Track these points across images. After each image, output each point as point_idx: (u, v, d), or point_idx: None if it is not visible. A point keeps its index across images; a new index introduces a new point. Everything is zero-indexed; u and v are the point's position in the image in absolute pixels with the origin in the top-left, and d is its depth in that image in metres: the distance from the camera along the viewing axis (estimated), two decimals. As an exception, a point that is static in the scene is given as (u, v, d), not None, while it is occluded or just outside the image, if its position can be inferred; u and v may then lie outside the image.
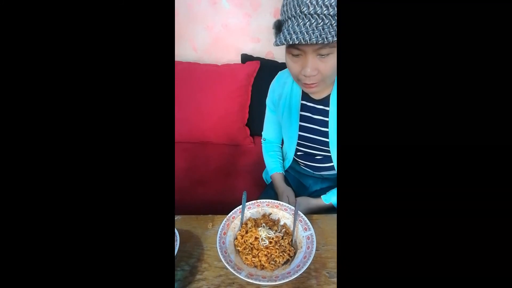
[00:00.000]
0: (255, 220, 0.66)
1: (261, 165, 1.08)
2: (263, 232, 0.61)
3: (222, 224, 0.64)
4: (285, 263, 0.59)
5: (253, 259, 0.58)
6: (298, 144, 0.84)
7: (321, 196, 0.81)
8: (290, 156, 0.89)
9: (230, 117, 1.28)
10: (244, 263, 0.58)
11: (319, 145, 0.80)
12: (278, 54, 1.40)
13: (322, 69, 0.63)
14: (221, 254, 0.57)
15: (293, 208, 0.67)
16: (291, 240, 0.62)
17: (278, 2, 1.27)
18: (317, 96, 0.77)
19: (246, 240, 0.61)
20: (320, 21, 0.56)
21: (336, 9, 0.56)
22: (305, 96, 0.79)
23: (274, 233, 0.62)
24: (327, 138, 0.78)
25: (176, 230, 0.59)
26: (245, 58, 1.37)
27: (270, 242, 0.60)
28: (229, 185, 1.12)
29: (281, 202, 0.70)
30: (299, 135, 0.82)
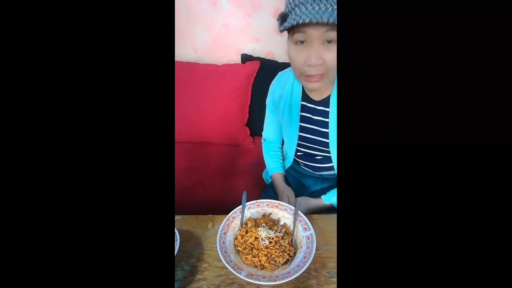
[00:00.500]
0: (255, 220, 0.66)
1: (261, 165, 1.08)
2: (263, 232, 0.61)
3: (222, 224, 0.64)
4: (285, 263, 0.59)
5: (253, 259, 0.58)
6: (298, 145, 0.84)
7: (321, 196, 0.81)
8: (291, 156, 0.89)
9: (230, 117, 1.28)
10: (244, 263, 0.58)
11: (319, 145, 0.80)
12: (278, 54, 1.40)
13: (327, 59, 0.61)
14: (221, 254, 0.57)
15: (293, 208, 0.67)
16: (291, 240, 0.63)
17: (278, 2, 1.28)
18: (317, 97, 0.77)
19: (246, 240, 0.61)
20: (329, 5, 0.55)
21: None
22: (305, 97, 0.79)
23: (274, 233, 0.62)
24: (327, 138, 0.78)
25: (176, 230, 0.59)
26: (245, 58, 1.37)
27: (270, 242, 0.60)
28: (229, 185, 1.12)
29: (281, 202, 0.70)
30: (299, 135, 0.82)
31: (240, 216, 0.67)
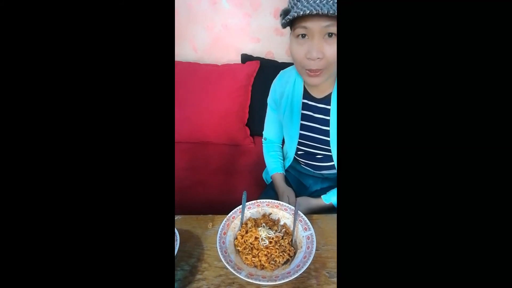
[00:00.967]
0: (255, 220, 0.66)
1: (261, 165, 1.08)
2: (263, 232, 0.61)
3: (222, 224, 0.64)
4: (285, 263, 0.59)
5: (253, 259, 0.58)
6: (299, 143, 0.84)
7: (321, 196, 0.82)
8: (291, 155, 0.89)
9: (230, 117, 1.28)
10: (244, 263, 0.58)
11: (320, 144, 0.80)
12: (278, 54, 1.40)
13: (328, 53, 0.62)
14: (221, 254, 0.57)
15: (293, 208, 0.67)
16: (291, 240, 0.63)
17: (278, 2, 1.28)
18: (318, 95, 0.78)
19: (246, 240, 0.61)
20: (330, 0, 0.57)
21: None
22: (307, 95, 0.80)
23: (274, 233, 0.62)
24: (328, 137, 0.78)
25: (176, 230, 0.59)
26: (245, 58, 1.37)
27: (270, 242, 0.60)
28: (229, 185, 1.12)
29: (281, 202, 0.70)
30: (300, 133, 0.82)
31: (240, 216, 0.67)
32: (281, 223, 0.67)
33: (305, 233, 0.63)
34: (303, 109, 0.80)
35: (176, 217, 0.70)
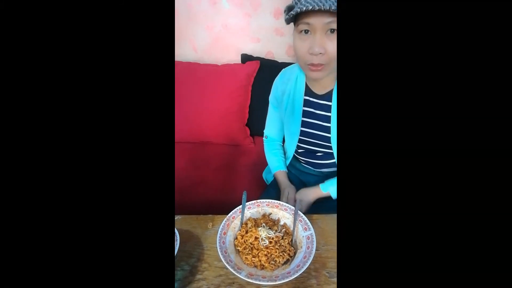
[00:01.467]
0: (255, 220, 0.66)
1: (261, 165, 1.08)
2: (263, 232, 0.61)
3: (222, 224, 0.64)
4: (285, 263, 0.59)
5: (253, 259, 0.58)
6: (300, 141, 0.85)
7: (319, 184, 0.82)
8: (291, 153, 0.90)
9: (230, 117, 1.28)
10: (244, 263, 0.58)
11: (321, 140, 0.81)
12: (278, 54, 1.40)
13: (329, 48, 0.64)
14: (221, 254, 0.57)
15: (293, 208, 0.67)
16: (291, 240, 0.63)
17: (278, 2, 1.28)
18: (320, 91, 0.78)
19: (246, 240, 0.61)
20: None
21: None
22: (308, 91, 0.80)
23: (274, 233, 0.62)
24: (329, 133, 0.79)
25: (176, 230, 0.59)
26: (245, 58, 1.37)
27: (270, 242, 0.60)
28: (229, 185, 1.12)
29: (281, 202, 0.70)
30: (301, 130, 0.83)
31: (240, 216, 0.67)
32: (281, 223, 0.68)
33: (305, 233, 0.63)
34: (304, 105, 0.81)
35: (176, 217, 0.70)
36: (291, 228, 0.65)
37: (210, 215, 0.71)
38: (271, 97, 0.91)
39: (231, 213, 0.67)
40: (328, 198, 0.82)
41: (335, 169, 0.87)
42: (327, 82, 0.76)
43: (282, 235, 0.62)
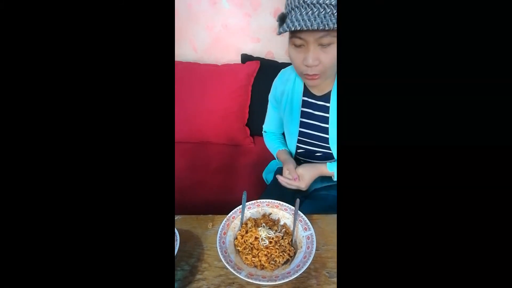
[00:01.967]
0: (255, 220, 0.66)
1: (261, 165, 1.08)
2: (263, 232, 0.61)
3: (222, 224, 0.64)
4: (285, 263, 0.59)
5: (253, 259, 0.58)
6: (299, 141, 0.85)
7: (327, 163, 0.81)
8: (291, 152, 0.90)
9: (230, 117, 1.28)
10: (244, 263, 0.58)
11: (320, 141, 0.81)
12: (278, 54, 1.40)
13: (324, 60, 0.65)
14: (221, 254, 0.57)
15: (293, 208, 0.67)
16: (291, 240, 0.63)
17: (278, 2, 1.28)
18: (318, 92, 0.78)
19: (246, 240, 0.61)
20: (322, 10, 0.59)
21: None
22: (307, 92, 0.80)
23: (274, 233, 0.62)
24: (327, 134, 0.79)
25: (176, 230, 0.59)
26: (245, 58, 1.37)
27: (270, 242, 0.60)
28: (229, 185, 1.12)
29: (281, 202, 0.70)
30: (300, 131, 0.83)
31: (240, 216, 0.67)
32: (281, 223, 0.68)
33: (305, 233, 0.63)
34: (303, 106, 0.81)
35: (176, 217, 0.70)
36: (291, 228, 0.65)
37: (210, 215, 0.71)
38: (270, 96, 0.92)
39: (231, 213, 0.67)
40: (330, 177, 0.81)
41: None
42: (325, 84, 0.77)
43: (282, 235, 0.62)
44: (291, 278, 0.53)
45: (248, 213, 0.68)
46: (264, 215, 0.69)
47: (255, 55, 1.37)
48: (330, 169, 0.80)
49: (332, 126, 0.77)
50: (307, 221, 0.64)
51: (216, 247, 0.59)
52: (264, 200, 0.71)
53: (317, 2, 0.59)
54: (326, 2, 0.59)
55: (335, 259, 0.59)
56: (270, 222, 0.66)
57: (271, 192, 0.92)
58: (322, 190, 0.90)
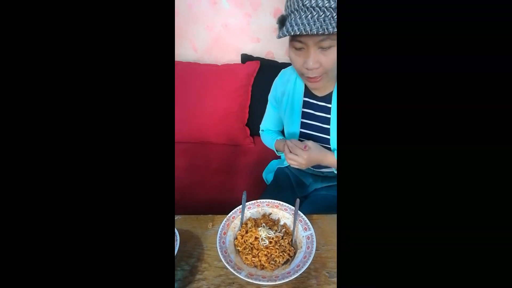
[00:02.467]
0: (255, 220, 0.66)
1: (261, 165, 1.08)
2: (263, 232, 0.61)
3: (222, 224, 0.64)
4: (285, 263, 0.59)
5: (253, 259, 0.58)
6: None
7: (335, 152, 0.77)
8: None
9: (230, 117, 1.28)
10: (244, 263, 0.58)
11: (321, 142, 0.81)
12: (278, 54, 1.40)
13: (324, 62, 0.65)
14: (221, 254, 0.57)
15: (293, 208, 0.67)
16: (291, 240, 0.63)
17: (278, 2, 1.28)
18: (319, 93, 0.78)
19: (246, 240, 0.61)
20: (322, 13, 0.59)
21: (336, 1, 0.57)
22: (308, 93, 0.80)
23: (274, 233, 0.62)
24: (329, 135, 0.79)
25: (176, 230, 0.59)
26: (245, 58, 1.37)
27: (270, 242, 0.60)
28: (229, 185, 1.12)
29: (281, 202, 0.70)
30: (301, 132, 0.83)
31: (240, 216, 0.67)
32: (281, 223, 0.68)
33: (305, 233, 0.63)
34: (304, 107, 0.81)
35: (176, 217, 0.70)
36: (291, 228, 0.65)
37: (210, 215, 0.71)
38: (270, 96, 0.91)
39: (231, 213, 0.67)
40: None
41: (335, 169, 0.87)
42: (327, 85, 0.76)
43: (282, 235, 0.62)
44: (291, 278, 0.53)
45: (248, 213, 0.68)
46: (264, 215, 0.69)
47: (255, 55, 1.37)
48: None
49: (334, 127, 0.77)
50: (307, 221, 0.64)
51: (216, 247, 0.59)
52: (264, 200, 0.71)
53: (317, 5, 0.59)
54: (326, 5, 0.58)
55: (335, 259, 0.59)
56: (270, 222, 0.66)
57: (271, 192, 0.92)
58: (322, 190, 0.90)
